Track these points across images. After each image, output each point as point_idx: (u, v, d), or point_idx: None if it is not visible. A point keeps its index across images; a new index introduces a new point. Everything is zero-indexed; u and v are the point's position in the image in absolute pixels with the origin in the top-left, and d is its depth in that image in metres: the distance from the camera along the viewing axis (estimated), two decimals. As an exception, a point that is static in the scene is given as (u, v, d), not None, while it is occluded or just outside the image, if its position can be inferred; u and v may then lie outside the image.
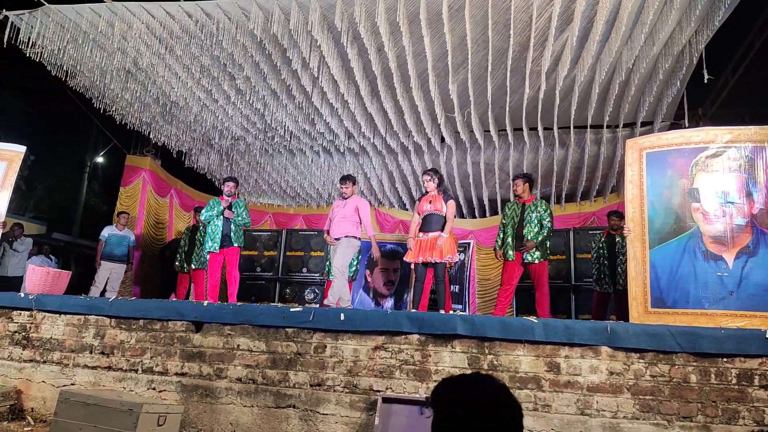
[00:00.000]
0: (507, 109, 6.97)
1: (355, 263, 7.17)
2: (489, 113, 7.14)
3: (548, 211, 5.34)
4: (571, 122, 7.18)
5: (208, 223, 5.99)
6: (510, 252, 5.28)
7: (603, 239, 6.18)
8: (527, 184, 5.47)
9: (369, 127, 7.73)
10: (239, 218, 6.01)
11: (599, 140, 7.75)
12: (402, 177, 9.59)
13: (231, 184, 6.05)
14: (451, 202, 5.23)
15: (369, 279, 8.38)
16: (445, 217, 5.14)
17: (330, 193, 10.52)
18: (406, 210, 10.89)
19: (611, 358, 3.33)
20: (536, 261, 5.19)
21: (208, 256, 6.03)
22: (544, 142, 7.82)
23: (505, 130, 7.64)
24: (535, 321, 3.39)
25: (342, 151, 8.80)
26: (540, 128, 7.43)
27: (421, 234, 5.12)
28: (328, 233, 5.60)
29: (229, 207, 5.97)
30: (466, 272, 9.30)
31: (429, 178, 5.26)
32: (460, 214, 10.82)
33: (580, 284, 7.40)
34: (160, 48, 6.34)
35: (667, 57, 5.71)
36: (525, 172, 6.29)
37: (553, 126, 7.36)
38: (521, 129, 7.58)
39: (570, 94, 6.58)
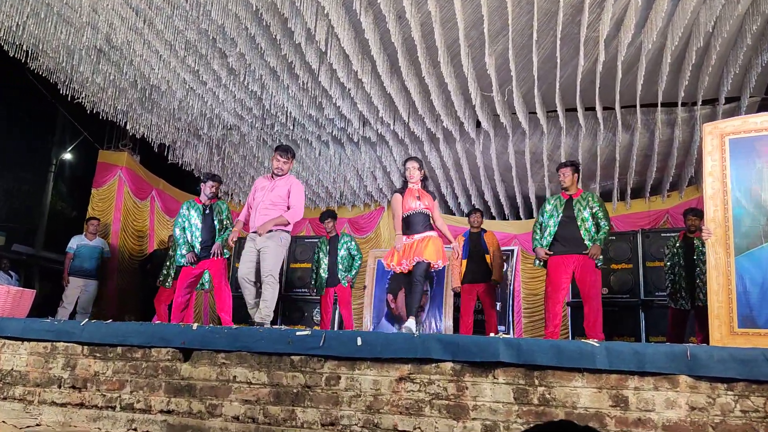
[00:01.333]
0: (557, 85, 6.93)
1: (357, 264, 7.22)
2: (535, 91, 7.11)
3: (603, 206, 5.36)
4: (638, 100, 7.11)
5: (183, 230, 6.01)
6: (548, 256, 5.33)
7: (678, 243, 6.12)
8: (576, 174, 5.49)
9: (388, 111, 7.77)
10: (222, 229, 6.08)
11: (672, 121, 7.65)
12: (428, 170, 9.58)
13: (213, 183, 6.06)
14: (436, 202, 5.34)
15: (392, 304, 8.38)
16: (432, 217, 5.17)
17: (342, 192, 10.58)
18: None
19: (692, 390, 3.28)
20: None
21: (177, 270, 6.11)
22: (603, 125, 7.77)
23: (555, 111, 7.60)
24: (597, 345, 3.37)
25: (356, 140, 8.85)
26: (598, 108, 7.37)
27: (405, 237, 5.08)
28: (246, 224, 5.36)
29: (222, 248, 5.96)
30: (510, 286, 9.26)
31: (418, 166, 5.22)
32: (501, 215, 10.78)
33: (652, 299, 7.34)
34: (137, 21, 6.45)
35: (756, 17, 5.62)
36: (572, 159, 6.27)
37: (614, 105, 7.30)
38: (575, 109, 7.53)
39: (635, 66, 6.52)
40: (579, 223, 5.27)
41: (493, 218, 10.64)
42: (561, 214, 5.37)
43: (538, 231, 5.55)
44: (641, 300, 7.41)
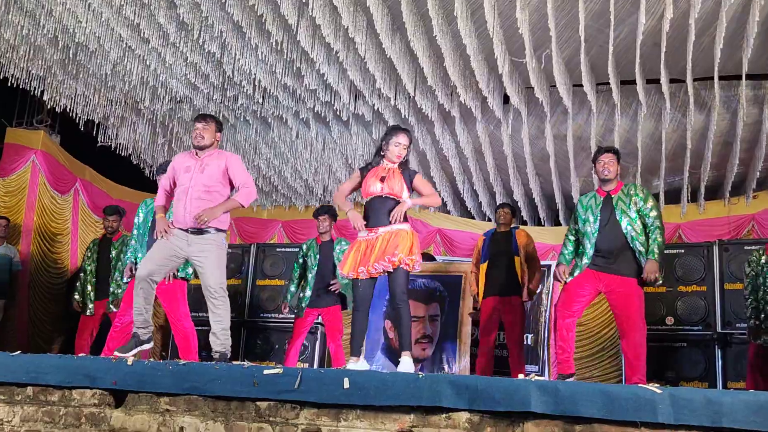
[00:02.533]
0: (610, 50, 6.93)
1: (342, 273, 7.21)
2: (581, 57, 7.11)
3: (652, 202, 5.32)
4: (716, 70, 7.11)
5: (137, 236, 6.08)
6: (577, 273, 5.34)
7: (764, 260, 6.10)
8: (619, 163, 5.50)
9: (388, 81, 7.76)
10: None
11: (762, 98, 7.67)
12: (440, 159, 9.58)
13: None
14: (420, 177, 5.19)
15: (391, 334, 8.37)
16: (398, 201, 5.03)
17: (327, 187, 10.57)
18: (448, 213, 10.87)
19: (783, 453, 3.27)
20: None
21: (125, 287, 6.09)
22: (670, 103, 7.77)
23: (607, 83, 7.60)
24: (659, 391, 3.36)
25: (345, 119, 8.85)
26: (664, 80, 7.37)
27: (366, 232, 4.97)
28: (164, 212, 5.23)
29: None
30: (545, 313, 9.23)
31: (408, 142, 5.12)
32: (535, 219, 10.77)
33: (731, 332, 7.33)
34: (58, -42, 6.45)
35: None
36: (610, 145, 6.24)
37: (685, 76, 7.30)
38: (633, 81, 7.53)
39: (713, 25, 6.52)
40: (624, 229, 5.26)
41: (525, 223, 10.65)
42: (597, 216, 5.36)
43: (569, 241, 5.57)
44: (717, 333, 7.38)
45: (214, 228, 5.07)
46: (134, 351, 5.05)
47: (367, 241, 4.95)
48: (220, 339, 5.16)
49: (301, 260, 7.28)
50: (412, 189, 5.11)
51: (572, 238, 5.56)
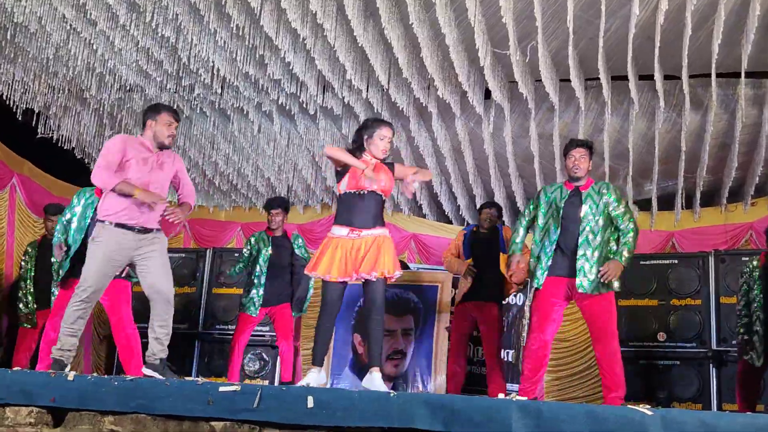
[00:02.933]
0: (600, 43, 6.99)
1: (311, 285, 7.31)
2: (569, 49, 7.15)
3: (623, 203, 5.43)
4: (713, 67, 7.19)
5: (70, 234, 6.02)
6: (540, 275, 5.41)
7: (757, 271, 6.17)
8: (591, 159, 5.58)
9: (360, 72, 7.77)
10: None
11: (762, 98, 7.77)
12: (415, 158, 9.58)
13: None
14: (397, 164, 5.28)
15: (360, 350, 8.36)
16: (383, 201, 5.13)
17: (291, 187, 10.55)
18: (424, 217, 10.89)
19: (781, 480, 3.31)
20: (602, 290, 5.27)
21: (56, 291, 6.07)
22: (664, 101, 7.84)
23: (597, 78, 7.66)
24: (650, 413, 3.39)
25: (312, 112, 8.85)
26: (658, 76, 7.45)
27: (345, 230, 4.96)
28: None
29: None
30: (527, 326, 9.27)
31: (392, 136, 5.19)
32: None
33: (728, 349, 7.40)
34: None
35: None
36: (585, 139, 6.31)
37: (680, 73, 7.38)
38: (625, 77, 7.60)
39: (710, 18, 6.60)
40: (586, 228, 5.33)
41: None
42: (560, 210, 5.43)
43: (521, 227, 5.66)
44: (713, 351, 7.46)
45: (156, 228, 5.09)
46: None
47: (349, 241, 4.93)
48: (164, 345, 5.18)
49: (247, 254, 7.31)
50: (395, 180, 5.20)
51: (525, 226, 5.66)
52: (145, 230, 5.02)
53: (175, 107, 8.92)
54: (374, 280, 4.90)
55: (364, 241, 4.92)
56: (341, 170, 5.07)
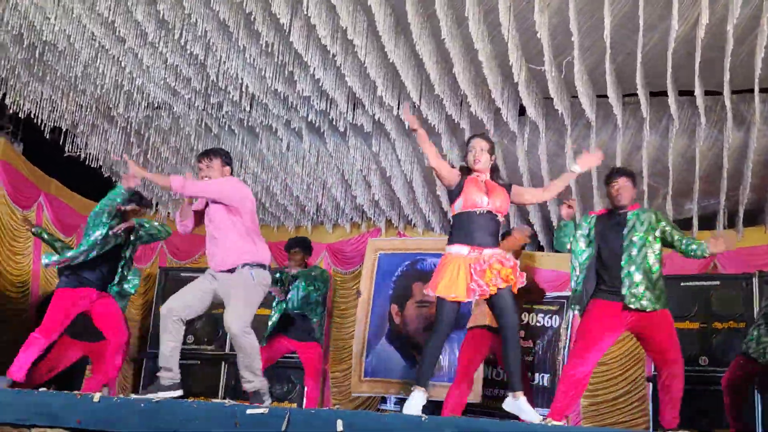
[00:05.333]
0: (638, 58, 6.94)
1: (320, 298, 7.49)
2: (606, 65, 7.12)
3: (671, 224, 5.54)
4: (756, 81, 7.12)
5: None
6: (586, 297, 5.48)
7: None
8: (635, 189, 5.68)
9: (390, 89, 7.78)
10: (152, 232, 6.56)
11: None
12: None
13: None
14: (515, 186, 5.43)
15: (397, 320, 8.37)
16: (499, 222, 5.18)
17: (320, 206, 10.57)
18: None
19: None
20: (656, 307, 5.30)
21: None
22: (705, 117, 7.77)
23: (635, 94, 7.61)
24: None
25: (342, 130, 8.86)
26: (698, 92, 7.38)
27: (466, 249, 5.02)
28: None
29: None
30: (563, 350, 9.22)
31: (489, 147, 5.27)
32: (554, 247, 10.75)
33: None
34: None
35: None
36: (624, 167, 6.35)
37: (722, 89, 7.31)
38: (664, 92, 7.54)
39: (753, 31, 6.54)
40: (635, 252, 5.40)
41: (542, 248, 10.62)
42: (609, 237, 5.53)
43: (578, 267, 5.70)
44: (758, 375, 7.35)
45: (241, 264, 5.40)
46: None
47: (469, 260, 4.97)
48: (246, 377, 5.41)
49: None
50: (511, 202, 5.30)
51: (578, 266, 5.71)
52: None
53: (202, 125, 9.09)
54: (501, 288, 4.92)
55: (484, 259, 4.96)
56: (455, 190, 5.16)
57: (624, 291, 5.31)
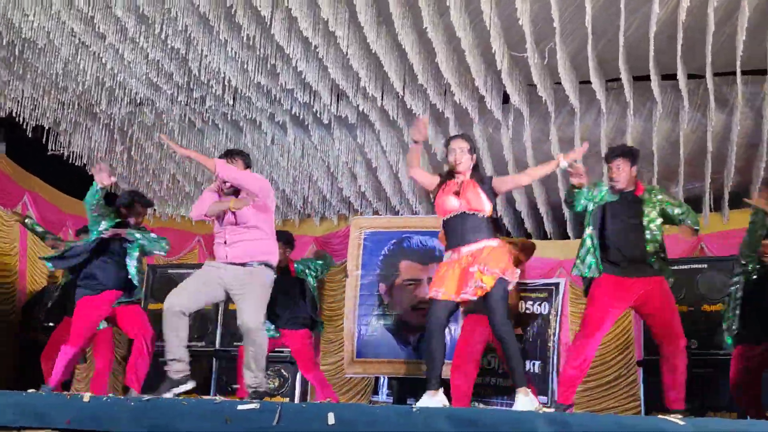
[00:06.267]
0: (621, 43, 6.96)
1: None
2: (589, 50, 7.13)
3: (673, 198, 5.62)
4: (738, 64, 7.14)
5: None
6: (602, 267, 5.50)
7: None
8: (634, 166, 5.66)
9: (374, 79, 7.78)
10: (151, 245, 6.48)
11: (790, 95, 7.69)
12: (433, 166, 9.56)
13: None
14: (495, 178, 5.40)
15: (386, 299, 8.39)
16: (486, 219, 5.17)
17: (306, 198, 10.55)
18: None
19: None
20: (660, 274, 5.41)
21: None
22: (689, 101, 7.79)
23: (619, 79, 7.63)
24: (682, 423, 3.36)
25: (326, 122, 8.87)
26: (681, 75, 7.41)
27: (449, 254, 5.10)
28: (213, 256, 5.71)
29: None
30: (553, 337, 9.25)
31: (468, 147, 5.27)
32: (540, 232, 10.79)
33: (761, 356, 7.32)
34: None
35: None
36: (625, 146, 6.28)
37: (704, 72, 7.34)
38: (647, 77, 7.56)
39: (734, 13, 6.55)
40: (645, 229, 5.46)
41: (529, 236, 10.65)
42: (623, 217, 5.54)
43: (592, 241, 5.64)
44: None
45: (254, 261, 5.47)
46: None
47: (454, 263, 5.03)
48: (250, 376, 5.46)
49: None
50: (495, 194, 5.26)
51: (591, 240, 5.67)
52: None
53: (185, 120, 9.06)
54: (489, 289, 4.89)
55: (466, 257, 4.98)
56: (434, 199, 5.29)
57: (627, 264, 5.41)
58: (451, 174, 5.23)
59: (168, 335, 5.32)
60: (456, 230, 5.08)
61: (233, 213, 5.43)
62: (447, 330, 5.41)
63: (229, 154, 5.74)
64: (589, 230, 5.60)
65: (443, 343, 5.06)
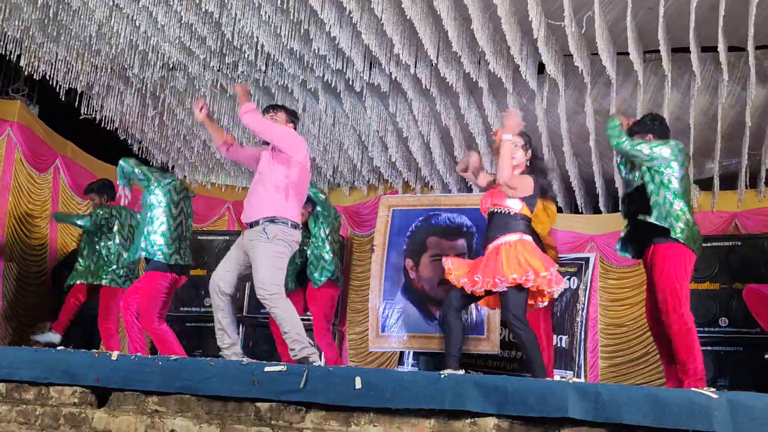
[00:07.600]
0: (660, 12, 6.86)
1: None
2: (627, 20, 7.05)
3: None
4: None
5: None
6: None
7: None
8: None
9: (407, 46, 7.72)
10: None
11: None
12: (465, 136, 9.54)
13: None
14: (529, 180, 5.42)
15: (413, 275, 8.42)
16: (510, 215, 5.27)
17: (337, 167, 10.56)
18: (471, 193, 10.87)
19: None
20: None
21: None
22: (728, 74, 7.69)
23: (657, 50, 7.53)
24: (715, 396, 3.33)
25: (359, 89, 8.82)
26: (722, 48, 7.30)
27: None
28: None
29: None
30: (582, 312, 9.23)
31: (522, 143, 5.46)
32: (572, 206, 10.73)
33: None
34: None
35: None
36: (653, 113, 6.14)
37: (746, 44, 7.23)
38: (686, 49, 7.46)
39: (780, -15, 6.45)
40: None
41: (560, 210, 10.58)
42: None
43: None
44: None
45: (263, 218, 5.26)
46: None
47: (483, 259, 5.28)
48: (290, 345, 5.17)
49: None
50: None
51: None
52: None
53: (217, 85, 9.06)
54: (502, 294, 5.11)
55: (484, 257, 5.26)
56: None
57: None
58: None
59: (216, 317, 5.35)
60: (489, 228, 5.39)
61: (258, 171, 5.44)
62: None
63: (273, 108, 5.72)
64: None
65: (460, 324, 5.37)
